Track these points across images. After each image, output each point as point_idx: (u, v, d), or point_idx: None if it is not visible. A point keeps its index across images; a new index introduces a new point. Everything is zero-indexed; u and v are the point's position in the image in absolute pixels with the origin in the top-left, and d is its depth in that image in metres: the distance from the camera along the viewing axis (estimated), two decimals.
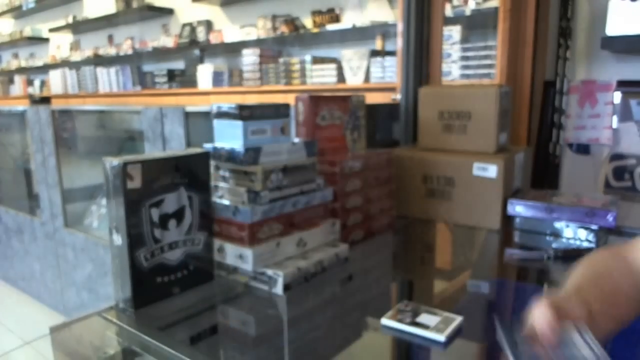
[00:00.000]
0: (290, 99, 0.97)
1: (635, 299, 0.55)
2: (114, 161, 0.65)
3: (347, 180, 0.95)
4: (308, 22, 3.18)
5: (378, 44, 2.88)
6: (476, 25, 2.29)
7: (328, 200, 0.90)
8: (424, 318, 0.64)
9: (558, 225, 1.03)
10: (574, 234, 1.01)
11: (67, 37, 5.29)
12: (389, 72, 2.71)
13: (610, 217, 0.96)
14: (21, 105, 2.63)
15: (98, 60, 4.74)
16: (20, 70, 5.86)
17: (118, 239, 0.67)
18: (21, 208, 2.64)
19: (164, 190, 0.69)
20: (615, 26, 1.24)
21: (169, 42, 4.05)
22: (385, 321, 0.65)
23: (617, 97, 1.35)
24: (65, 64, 5.09)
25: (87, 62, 4.85)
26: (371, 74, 2.81)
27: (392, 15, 2.73)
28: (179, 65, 4.05)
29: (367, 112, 1.12)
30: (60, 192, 2.22)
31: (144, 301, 0.69)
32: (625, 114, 1.35)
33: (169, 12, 4.11)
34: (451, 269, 0.97)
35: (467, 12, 2.27)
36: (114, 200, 0.67)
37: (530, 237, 1.05)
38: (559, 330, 0.44)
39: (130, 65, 4.35)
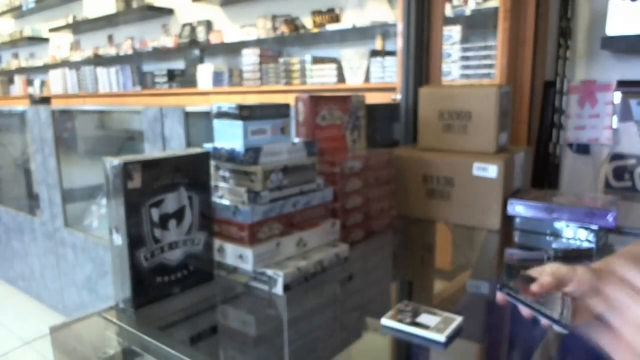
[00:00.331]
0: (290, 99, 0.97)
1: None
2: (114, 161, 0.65)
3: (347, 180, 0.95)
4: (308, 22, 3.18)
5: (378, 44, 2.88)
6: (476, 25, 2.29)
7: (328, 200, 0.90)
8: (424, 318, 0.64)
9: (558, 225, 1.03)
10: (574, 234, 1.01)
11: (67, 37, 5.29)
12: (389, 72, 2.72)
13: (610, 217, 0.96)
14: (21, 105, 2.63)
15: (98, 60, 4.74)
16: (20, 70, 5.86)
17: (118, 239, 0.67)
18: (21, 208, 2.64)
19: (164, 190, 0.69)
20: (615, 26, 1.24)
21: (169, 42, 4.05)
22: (385, 321, 0.65)
23: (617, 97, 1.35)
24: (65, 64, 5.09)
25: (87, 62, 4.86)
26: (371, 74, 2.81)
27: (392, 15, 2.74)
28: (179, 65, 4.05)
29: (367, 112, 1.12)
30: (60, 192, 2.22)
31: (144, 301, 0.69)
32: (625, 114, 1.34)
33: (169, 12, 4.11)
34: (451, 269, 0.97)
35: (467, 12, 2.27)
36: (114, 200, 0.67)
37: (530, 237, 1.05)
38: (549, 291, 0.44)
39: (130, 65, 4.36)
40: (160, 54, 4.14)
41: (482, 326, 0.72)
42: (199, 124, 1.65)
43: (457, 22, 2.28)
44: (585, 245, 0.99)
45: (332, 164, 0.93)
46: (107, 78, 4.56)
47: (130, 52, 4.38)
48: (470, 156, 1.12)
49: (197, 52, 3.75)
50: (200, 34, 3.80)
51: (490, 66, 2.11)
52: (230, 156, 0.79)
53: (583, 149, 1.42)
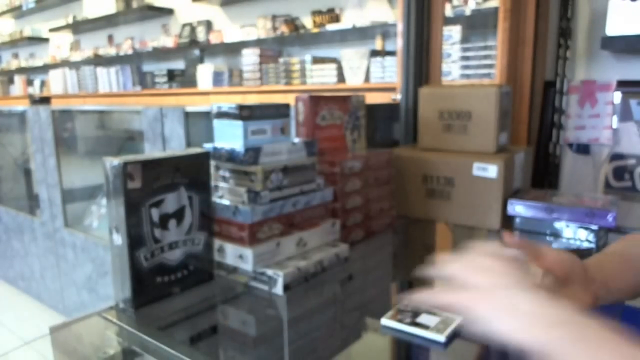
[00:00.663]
0: (290, 99, 0.97)
1: None
2: (114, 161, 0.65)
3: (347, 180, 0.95)
4: (308, 22, 3.18)
5: (378, 44, 2.88)
6: (476, 25, 2.29)
7: (328, 200, 0.90)
8: (424, 318, 0.64)
9: (558, 225, 1.03)
10: (573, 234, 1.01)
11: (67, 37, 5.29)
12: (389, 72, 2.72)
13: (610, 217, 0.96)
14: (21, 105, 2.63)
15: (98, 60, 4.74)
16: (20, 70, 5.86)
17: (118, 239, 0.67)
18: (21, 208, 2.64)
19: (164, 190, 0.70)
20: (615, 26, 1.24)
21: (169, 42, 4.05)
22: (385, 321, 0.65)
23: (617, 97, 1.35)
24: (65, 64, 5.09)
25: (87, 62, 4.86)
26: (371, 74, 2.81)
27: (392, 15, 2.74)
28: (179, 65, 4.05)
29: (367, 112, 1.12)
30: (60, 192, 2.22)
31: (143, 301, 0.69)
32: (625, 114, 1.35)
33: (169, 12, 4.11)
34: None
35: (467, 12, 2.27)
36: (114, 200, 0.67)
37: (530, 237, 1.05)
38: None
39: (130, 65, 4.36)
40: (160, 54, 4.14)
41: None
42: (199, 124, 1.65)
43: (457, 22, 2.28)
44: (585, 245, 0.99)
45: (332, 164, 0.93)
46: (107, 78, 4.56)
47: (130, 52, 4.38)
48: (470, 156, 1.12)
49: (197, 52, 3.75)
50: (200, 34, 3.81)
51: (490, 66, 2.11)
52: (230, 156, 0.79)
53: (583, 149, 1.42)
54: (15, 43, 5.78)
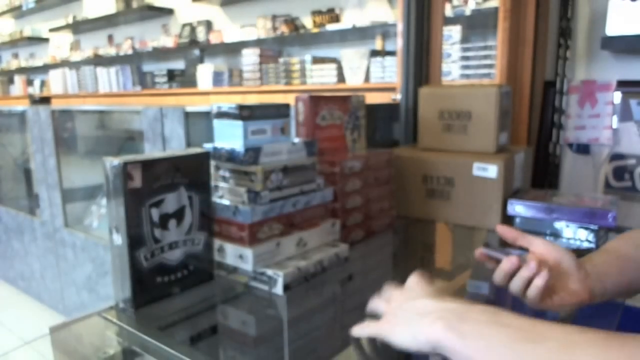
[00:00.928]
0: (290, 99, 0.97)
1: None
2: (114, 161, 0.65)
3: (347, 180, 0.95)
4: (308, 22, 3.18)
5: (378, 44, 2.88)
6: (476, 25, 2.29)
7: (328, 200, 0.90)
8: None
9: (558, 225, 1.03)
10: (573, 234, 1.02)
11: (67, 37, 5.30)
12: (389, 72, 2.72)
13: (610, 217, 0.96)
14: (21, 105, 2.63)
15: (98, 60, 4.74)
16: (20, 70, 5.87)
17: (118, 239, 0.68)
18: (21, 208, 2.64)
19: (164, 190, 0.70)
20: (615, 26, 1.24)
21: (169, 42, 4.05)
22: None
23: (617, 97, 1.35)
24: (65, 64, 5.10)
25: (87, 62, 4.86)
26: (371, 74, 2.81)
27: (392, 15, 2.74)
28: (179, 65, 4.05)
29: (367, 112, 1.12)
30: (60, 192, 2.22)
31: (143, 301, 0.69)
32: (625, 114, 1.35)
33: (168, 12, 4.12)
34: (451, 269, 0.97)
35: (467, 12, 2.27)
36: (114, 200, 0.67)
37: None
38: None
39: (130, 65, 4.36)
40: (160, 54, 4.14)
41: None
42: (199, 124, 1.65)
43: (457, 22, 2.28)
44: (585, 245, 0.99)
45: (332, 164, 0.93)
46: (107, 78, 4.56)
47: (130, 52, 4.38)
48: (470, 156, 1.12)
49: (197, 52, 3.75)
50: (200, 34, 3.81)
51: (490, 66, 2.11)
52: (230, 156, 0.79)
53: (583, 149, 1.42)
54: (15, 43, 5.78)
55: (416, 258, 1.03)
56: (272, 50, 3.39)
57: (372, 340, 0.56)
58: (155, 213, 0.69)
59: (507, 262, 0.57)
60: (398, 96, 1.45)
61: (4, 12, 5.75)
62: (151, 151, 1.73)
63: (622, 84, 1.34)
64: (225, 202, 0.79)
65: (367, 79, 2.83)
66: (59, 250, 2.30)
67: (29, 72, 5.82)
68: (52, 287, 2.42)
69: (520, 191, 1.18)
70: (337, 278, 0.84)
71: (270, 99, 3.16)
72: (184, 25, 3.94)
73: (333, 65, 2.96)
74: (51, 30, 5.15)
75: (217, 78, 3.59)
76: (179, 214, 0.72)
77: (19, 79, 5.89)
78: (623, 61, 1.35)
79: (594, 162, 1.39)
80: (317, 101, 0.97)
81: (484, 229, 1.11)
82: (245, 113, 0.79)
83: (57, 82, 5.11)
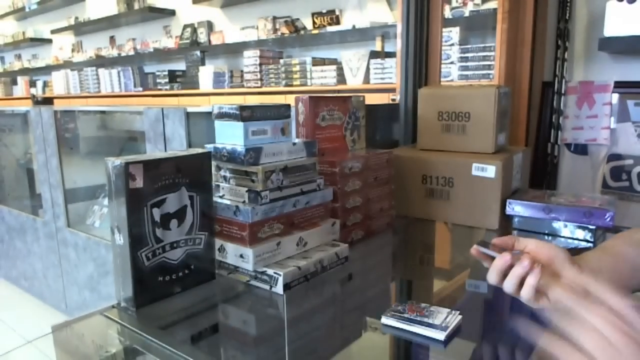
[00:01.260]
0: (290, 100, 0.97)
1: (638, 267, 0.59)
2: (116, 161, 0.66)
3: (347, 180, 0.96)
4: (308, 23, 3.19)
5: (378, 45, 2.89)
6: (475, 26, 2.29)
7: (328, 200, 0.91)
8: (423, 317, 0.65)
9: (556, 225, 1.04)
10: (571, 233, 1.02)
11: (70, 39, 5.31)
12: (389, 73, 2.72)
13: (607, 217, 0.97)
14: (24, 106, 2.64)
15: (100, 62, 4.76)
16: (23, 71, 5.88)
17: (120, 239, 0.68)
18: (24, 208, 2.65)
19: (165, 190, 0.70)
20: (612, 27, 1.25)
21: (170, 43, 4.06)
22: (385, 320, 0.65)
23: (615, 97, 1.36)
24: (67, 65, 5.11)
25: (89, 63, 4.87)
26: (371, 75, 2.81)
27: (391, 17, 2.74)
28: (180, 66, 4.06)
29: (367, 112, 1.13)
30: (62, 192, 2.23)
31: (145, 300, 0.70)
32: (622, 114, 1.35)
33: (170, 13, 4.13)
34: (450, 269, 0.98)
35: (466, 14, 2.27)
36: (115, 200, 0.68)
37: (529, 237, 1.06)
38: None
39: (132, 67, 4.37)
40: (162, 55, 4.15)
41: (481, 325, 0.73)
42: (200, 124, 1.66)
43: (456, 23, 2.29)
44: (583, 244, 0.99)
45: (332, 164, 0.94)
46: (109, 79, 4.57)
47: (131, 53, 4.39)
48: (469, 156, 1.13)
49: (198, 53, 3.76)
50: (202, 35, 3.82)
51: (489, 67, 2.11)
52: (231, 156, 0.80)
53: (581, 149, 1.42)
54: (18, 44, 5.80)
55: (416, 258, 1.03)
56: (272, 51, 3.39)
57: None
58: (156, 213, 0.69)
59: (500, 260, 0.57)
60: (397, 97, 1.45)
61: (6, 14, 5.77)
62: (153, 151, 1.74)
63: (619, 85, 1.35)
64: (226, 202, 0.79)
65: (367, 79, 2.84)
66: (61, 250, 2.31)
67: (31, 73, 5.84)
68: (55, 286, 2.43)
69: (519, 191, 1.18)
70: (337, 278, 0.85)
71: (271, 99, 3.17)
72: (185, 27, 3.95)
73: (333, 67, 2.96)
74: (53, 31, 5.16)
75: (218, 79, 3.60)
76: (180, 214, 0.73)
77: (21, 80, 5.90)
78: (620, 62, 1.36)
79: (592, 162, 1.40)
80: (317, 102, 0.98)
81: (483, 228, 1.11)
82: (246, 114, 0.79)
83: (59, 83, 5.12)
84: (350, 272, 0.88)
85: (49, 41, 5.52)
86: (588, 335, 0.38)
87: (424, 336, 0.62)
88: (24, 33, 5.60)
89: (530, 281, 0.54)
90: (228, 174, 0.82)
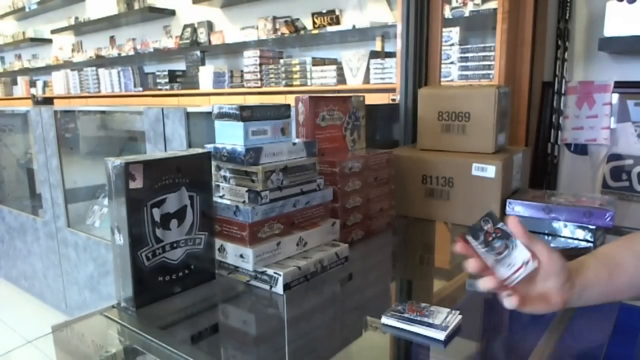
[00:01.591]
0: (290, 100, 0.97)
1: (635, 281, 0.57)
2: (116, 161, 0.66)
3: (347, 180, 0.96)
4: (308, 23, 3.19)
5: (378, 45, 2.89)
6: (475, 26, 2.29)
7: (328, 200, 0.91)
8: (424, 317, 0.65)
9: (556, 225, 1.04)
10: (571, 233, 1.02)
11: (70, 39, 5.31)
12: (389, 73, 2.72)
13: (607, 217, 0.96)
14: (24, 106, 2.64)
15: (100, 62, 4.76)
16: (23, 71, 5.88)
17: (120, 239, 0.68)
18: (24, 208, 2.65)
19: (165, 190, 0.70)
20: (612, 27, 1.25)
21: (170, 43, 4.06)
22: (385, 320, 0.65)
23: (615, 97, 1.36)
24: (67, 65, 5.11)
25: (89, 63, 4.87)
26: (371, 75, 2.81)
27: (391, 17, 2.74)
28: (180, 66, 4.06)
29: (367, 112, 1.13)
30: (62, 192, 2.23)
31: (145, 300, 0.70)
32: (622, 114, 1.35)
33: (170, 13, 4.13)
34: (450, 269, 0.98)
35: (466, 14, 2.27)
36: (115, 200, 0.68)
37: None
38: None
39: (132, 67, 4.37)
40: (162, 55, 4.15)
41: (481, 324, 0.73)
42: (200, 124, 1.66)
43: (456, 23, 2.28)
44: (583, 244, 0.99)
45: (332, 164, 0.94)
46: (109, 79, 4.57)
47: (131, 53, 4.39)
48: (469, 156, 1.13)
49: (198, 53, 3.76)
50: (202, 35, 3.82)
51: (489, 67, 2.11)
52: (231, 156, 0.80)
53: (581, 149, 1.42)
54: (18, 44, 5.80)
55: (416, 257, 1.03)
56: (272, 51, 3.39)
57: None
58: (156, 213, 0.69)
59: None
60: (397, 97, 1.46)
61: (6, 14, 5.77)
62: (153, 151, 1.74)
63: (619, 85, 1.35)
64: (226, 202, 0.80)
65: (367, 79, 2.84)
66: (61, 250, 2.31)
67: (31, 73, 5.84)
68: (55, 286, 2.43)
69: (519, 191, 1.18)
70: (337, 277, 0.85)
71: (271, 100, 3.17)
72: (185, 27, 3.95)
73: (333, 67, 2.96)
74: (53, 31, 5.16)
75: (218, 79, 3.60)
76: (180, 214, 0.73)
77: (21, 80, 5.90)
78: (620, 62, 1.36)
79: (592, 162, 1.40)
80: (317, 102, 0.98)
81: None
82: (246, 114, 0.80)
83: (59, 83, 5.12)
84: (350, 272, 0.88)
85: (49, 41, 5.52)
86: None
87: (424, 336, 0.62)
88: (24, 33, 5.60)
89: (505, 304, 0.52)
90: (228, 174, 0.82)
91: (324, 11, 3.10)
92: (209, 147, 0.83)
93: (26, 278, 2.66)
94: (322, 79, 3.01)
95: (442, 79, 1.50)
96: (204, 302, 0.75)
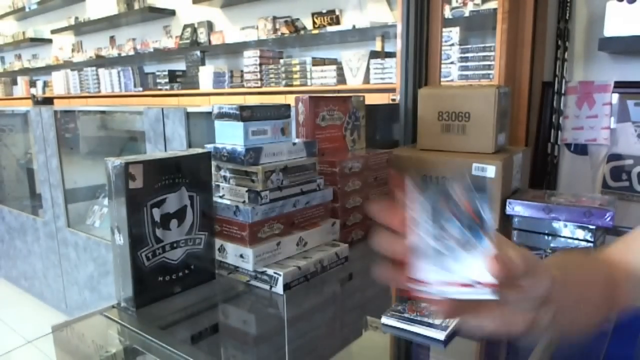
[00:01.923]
0: (290, 100, 0.97)
1: (602, 306, 0.45)
2: (115, 161, 0.66)
3: (347, 180, 0.96)
4: (308, 23, 3.19)
5: (378, 45, 2.89)
6: (475, 26, 2.29)
7: (328, 200, 0.91)
8: (424, 317, 0.65)
9: (556, 225, 1.04)
10: (571, 233, 1.02)
11: (70, 39, 5.31)
12: (389, 73, 2.72)
13: (607, 217, 0.97)
14: (24, 106, 2.64)
15: (100, 62, 4.76)
16: (23, 71, 5.89)
17: (120, 239, 0.68)
18: (24, 208, 2.66)
19: (165, 190, 0.70)
20: (612, 27, 1.25)
21: (170, 43, 4.06)
22: (385, 319, 0.65)
23: (615, 97, 1.36)
24: (67, 65, 5.11)
25: (89, 63, 4.87)
26: (371, 75, 2.81)
27: (391, 17, 2.74)
28: (180, 66, 4.06)
29: (367, 112, 1.13)
30: (62, 192, 2.23)
31: (145, 300, 0.70)
32: (622, 114, 1.35)
33: (170, 13, 4.13)
34: None
35: (466, 14, 2.27)
36: (115, 200, 0.68)
37: (529, 236, 1.06)
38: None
39: (132, 67, 4.37)
40: (162, 55, 4.15)
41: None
42: (200, 124, 1.66)
43: (456, 23, 2.29)
44: (583, 244, 0.99)
45: (332, 164, 0.94)
46: (109, 79, 4.57)
47: (131, 53, 4.40)
48: (469, 156, 1.13)
49: (198, 53, 3.76)
50: (202, 35, 3.82)
51: (489, 67, 2.11)
52: (231, 156, 0.80)
53: (581, 149, 1.42)
54: (18, 44, 5.80)
55: None
56: (272, 51, 3.39)
57: None
58: (156, 213, 0.69)
59: (387, 218, 0.39)
60: (397, 97, 1.46)
61: (6, 14, 5.78)
62: (153, 151, 1.74)
63: (619, 85, 1.35)
64: (226, 202, 0.80)
65: (367, 80, 2.84)
66: (62, 250, 2.31)
67: (31, 73, 5.84)
68: (55, 286, 2.43)
69: (519, 191, 1.18)
70: (337, 277, 0.85)
71: (271, 100, 3.17)
72: (185, 27, 3.95)
73: (333, 67, 2.96)
74: (53, 31, 5.16)
75: (218, 79, 3.60)
76: (180, 214, 0.73)
77: (21, 80, 5.91)
78: (620, 62, 1.36)
79: (592, 162, 1.40)
80: (317, 102, 0.98)
81: None
82: (246, 114, 0.80)
83: (59, 83, 5.13)
84: (350, 272, 0.88)
85: (49, 41, 5.52)
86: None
87: (424, 336, 0.62)
88: (24, 33, 5.60)
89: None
90: (228, 174, 0.82)
91: (324, 11, 3.11)
92: (209, 147, 0.83)
93: (26, 278, 2.66)
94: (322, 79, 3.01)
95: (442, 79, 1.50)
96: (204, 302, 0.75)
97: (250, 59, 3.38)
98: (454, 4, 2.32)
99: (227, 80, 3.62)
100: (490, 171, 1.08)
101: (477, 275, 0.34)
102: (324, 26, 3.04)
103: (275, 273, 0.75)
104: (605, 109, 1.37)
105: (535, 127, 1.47)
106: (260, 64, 3.34)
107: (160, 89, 4.06)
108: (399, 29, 1.41)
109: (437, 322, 0.63)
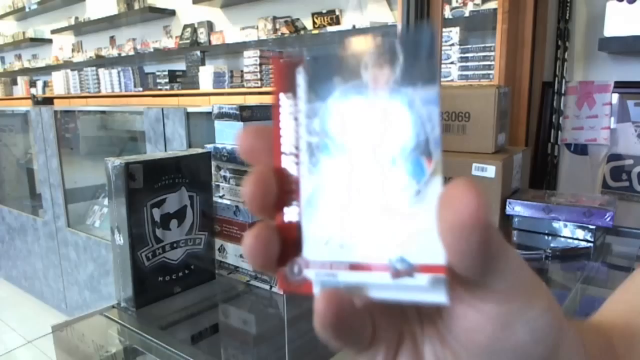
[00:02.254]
0: None
1: None
2: (115, 161, 0.66)
3: None
4: (308, 23, 3.19)
5: None
6: (475, 26, 2.29)
7: None
8: None
9: (556, 224, 1.04)
10: (571, 233, 1.02)
11: (70, 39, 5.31)
12: None
13: (607, 217, 0.97)
14: (24, 106, 2.64)
15: (100, 62, 4.76)
16: (23, 71, 5.89)
17: (120, 239, 0.68)
18: (24, 208, 2.66)
19: (165, 190, 0.70)
20: (612, 27, 1.25)
21: (170, 43, 4.06)
22: None
23: (615, 97, 1.36)
24: (67, 65, 5.11)
25: (89, 63, 4.87)
26: None
27: (391, 17, 2.74)
28: (180, 66, 4.06)
29: None
30: (62, 192, 2.23)
31: (145, 300, 0.70)
32: (622, 114, 1.35)
33: (170, 13, 4.13)
34: None
35: (466, 14, 2.27)
36: (115, 200, 0.68)
37: (529, 236, 1.06)
38: None
39: (132, 67, 4.37)
40: (162, 55, 4.15)
41: None
42: (200, 124, 1.66)
43: (456, 23, 2.28)
44: (583, 244, 0.99)
45: None
46: (109, 79, 4.57)
47: (132, 53, 4.40)
48: (469, 156, 1.13)
49: (198, 53, 3.76)
50: (202, 36, 3.82)
51: (489, 67, 2.11)
52: (231, 156, 0.80)
53: (581, 149, 1.42)
54: (18, 44, 5.80)
55: None
56: (272, 51, 3.40)
57: None
58: (156, 213, 0.70)
59: None
60: None
61: (6, 14, 5.78)
62: (153, 151, 1.74)
63: (619, 85, 1.35)
64: (226, 202, 0.80)
65: None
66: (62, 250, 2.31)
67: (31, 73, 5.84)
68: (55, 286, 2.43)
69: (519, 191, 1.18)
70: None
71: (271, 100, 3.16)
72: (185, 27, 3.95)
73: None
74: (53, 31, 5.17)
75: (218, 79, 3.60)
76: (180, 214, 0.73)
77: (21, 80, 5.91)
78: (620, 62, 1.36)
79: (592, 162, 1.40)
80: None
81: None
82: (246, 114, 0.80)
83: (59, 83, 5.13)
84: None
85: (49, 41, 5.52)
86: None
87: None
88: (24, 33, 5.60)
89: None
90: (228, 174, 0.82)
91: (324, 11, 3.11)
92: (209, 147, 0.83)
93: (26, 278, 2.66)
94: None
95: (442, 79, 1.50)
96: (204, 302, 0.75)
97: (250, 59, 3.38)
98: (454, 4, 2.32)
99: (227, 80, 3.62)
100: (490, 171, 1.08)
101: (407, 245, 0.17)
102: (324, 26, 3.05)
103: None
104: (605, 109, 1.37)
105: (535, 127, 1.47)
106: (261, 64, 3.34)
107: (160, 89, 4.06)
108: (399, 29, 1.41)
109: None
